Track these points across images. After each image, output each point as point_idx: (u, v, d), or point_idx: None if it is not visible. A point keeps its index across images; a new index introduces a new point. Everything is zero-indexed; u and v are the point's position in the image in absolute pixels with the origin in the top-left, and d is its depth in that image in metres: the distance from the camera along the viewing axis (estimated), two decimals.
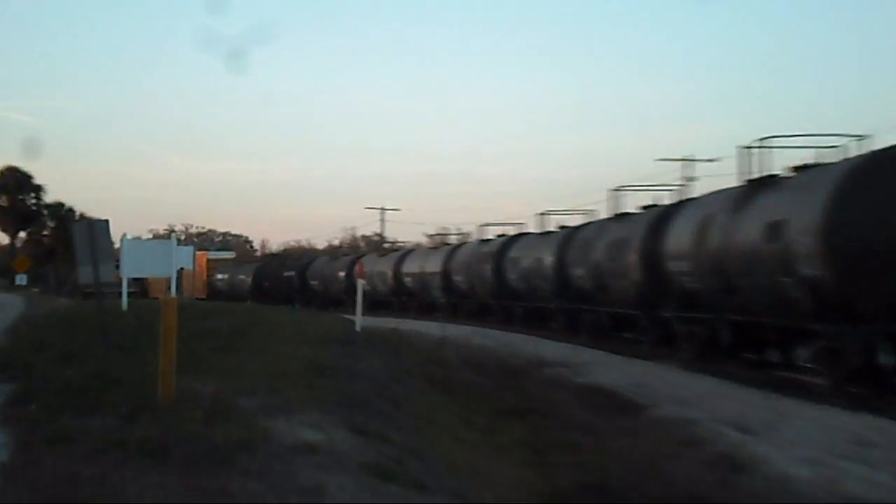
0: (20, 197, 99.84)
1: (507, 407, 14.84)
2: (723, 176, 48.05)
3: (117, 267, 22.50)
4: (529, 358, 23.40)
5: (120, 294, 26.83)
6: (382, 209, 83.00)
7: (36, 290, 79.37)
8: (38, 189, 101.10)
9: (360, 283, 25.70)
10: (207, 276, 75.99)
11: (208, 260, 77.49)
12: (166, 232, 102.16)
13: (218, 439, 7.68)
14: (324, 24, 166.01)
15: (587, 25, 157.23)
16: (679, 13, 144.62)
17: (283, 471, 7.09)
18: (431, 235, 62.99)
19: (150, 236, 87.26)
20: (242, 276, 74.13)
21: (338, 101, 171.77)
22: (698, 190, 28.45)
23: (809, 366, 18.81)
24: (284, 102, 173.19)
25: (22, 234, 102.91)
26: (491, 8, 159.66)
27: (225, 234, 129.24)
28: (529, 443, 11.94)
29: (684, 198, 26.32)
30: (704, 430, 13.15)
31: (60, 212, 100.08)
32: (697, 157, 46.24)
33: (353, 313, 26.44)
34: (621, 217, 28.26)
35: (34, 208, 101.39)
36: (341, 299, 54.01)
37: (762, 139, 20.48)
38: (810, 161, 18.98)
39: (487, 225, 45.42)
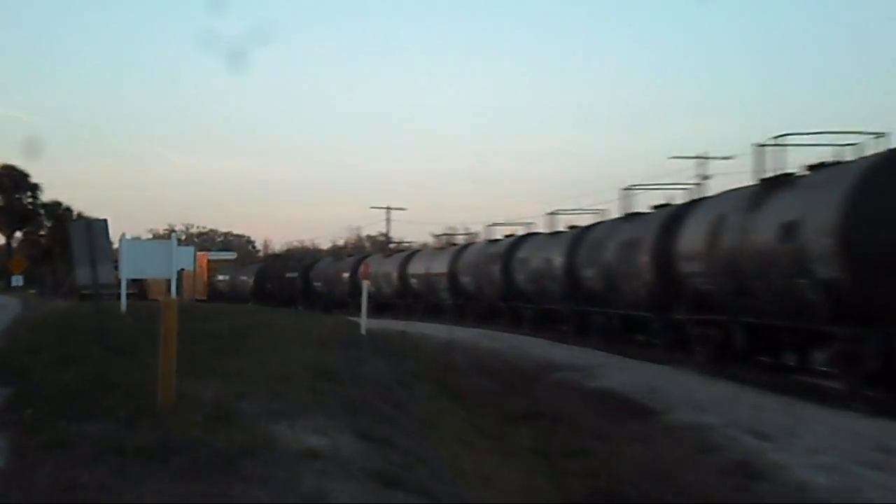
0: (16, 196, 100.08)
1: (516, 411, 14.82)
2: (738, 174, 48.10)
3: (116, 268, 22.52)
4: (539, 361, 23.37)
5: (118, 296, 26.86)
6: (388, 208, 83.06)
7: (32, 291, 79.51)
8: (34, 188, 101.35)
9: (365, 285, 25.70)
10: (208, 277, 76.12)
11: (209, 261, 77.57)
12: (166, 232, 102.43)
13: (219, 444, 7.67)
14: (328, 20, 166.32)
15: (597, 20, 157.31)
16: (693, 7, 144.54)
17: (286, 477, 7.07)
18: (438, 235, 62.97)
19: (150, 236, 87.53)
20: (244, 278, 74.21)
21: (343, 98, 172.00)
22: (713, 189, 28.47)
23: (826, 370, 18.73)
24: (288, 99, 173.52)
25: (18, 234, 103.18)
26: (499, 2, 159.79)
27: (226, 234, 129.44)
28: (539, 449, 11.91)
29: (697, 197, 26.27)
30: (720, 436, 13.11)
31: (58, 211, 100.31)
32: (712, 155, 46.22)
33: (358, 315, 26.43)
34: (633, 217, 28.21)
35: (31, 207, 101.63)
36: (345, 301, 54.05)
37: (777, 137, 20.44)
38: (826, 159, 18.92)
39: (495, 224, 45.48)
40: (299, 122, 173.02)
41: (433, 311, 45.30)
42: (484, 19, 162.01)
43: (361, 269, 28.58)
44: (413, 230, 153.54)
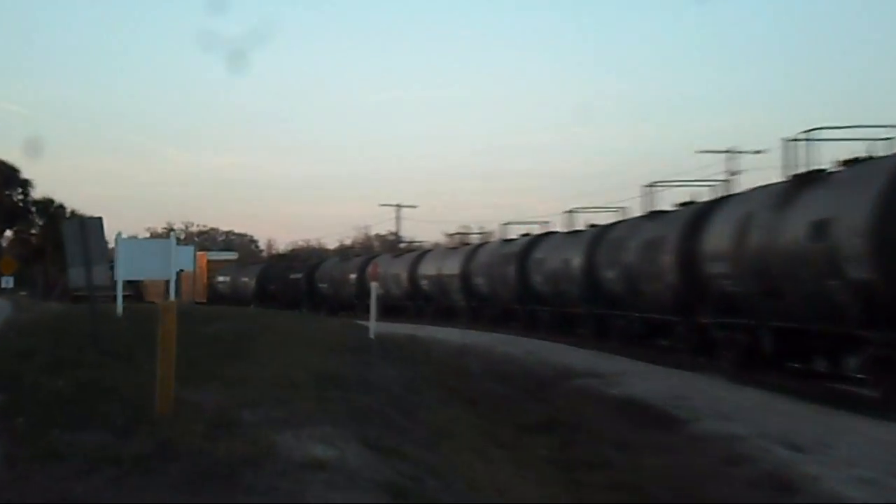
0: (6, 192, 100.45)
1: (533, 420, 14.79)
2: (770, 169, 47.96)
3: (111, 268, 22.56)
4: (556, 367, 23.34)
5: (113, 298, 26.91)
6: (398, 206, 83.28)
7: (23, 293, 79.85)
8: (25, 184, 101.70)
9: (374, 287, 25.69)
10: (208, 278, 76.29)
11: (209, 261, 77.76)
12: (165, 231, 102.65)
13: (220, 454, 7.67)
14: (335, 14, 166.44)
15: (617, 10, 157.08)
16: None
17: (291, 489, 7.06)
18: (451, 234, 62.96)
19: (148, 235, 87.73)
20: (245, 279, 74.34)
21: (350, 92, 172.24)
22: (743, 185, 28.35)
23: (860, 376, 18.66)
24: (293, 93, 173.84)
25: (8, 233, 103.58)
26: None
27: (228, 234, 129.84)
28: (558, 460, 11.88)
29: (724, 194, 26.19)
30: (749, 447, 13.07)
31: (50, 209, 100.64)
32: (742, 149, 46.05)
33: (365, 319, 26.45)
34: (656, 215, 28.16)
35: (21, 205, 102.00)
36: (352, 304, 54.15)
37: (808, 131, 20.36)
38: (860, 154, 18.85)
39: (511, 223, 45.45)
40: (305, 117, 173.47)
41: (445, 314, 45.33)
42: (497, 10, 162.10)
43: (371, 269, 28.60)
44: (424, 229, 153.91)
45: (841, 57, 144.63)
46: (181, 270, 30.51)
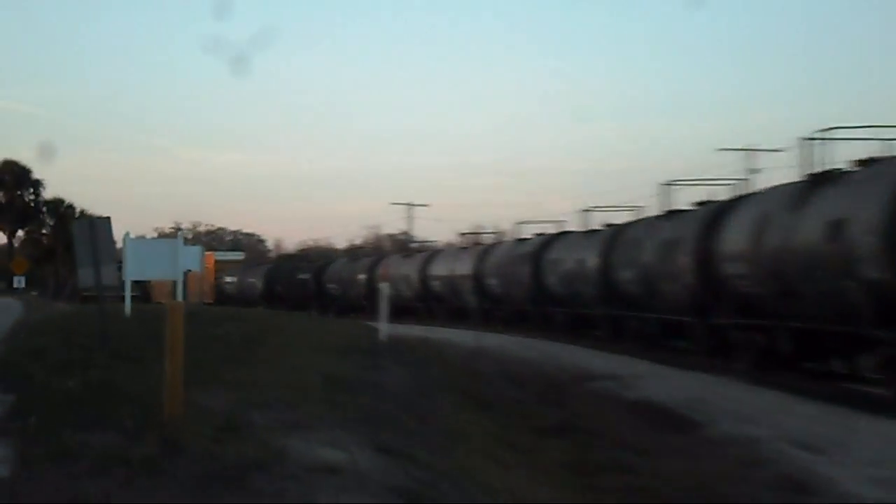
0: (18, 193, 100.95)
1: (548, 424, 14.77)
2: (789, 168, 47.83)
3: (120, 269, 22.62)
4: (572, 369, 23.32)
5: (122, 298, 26.98)
6: (409, 205, 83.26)
7: (34, 293, 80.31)
8: (36, 184, 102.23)
9: (385, 287, 25.69)
10: (215, 278, 76.40)
11: (216, 261, 77.88)
12: (172, 231, 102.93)
13: (229, 457, 7.69)
14: (348, 11, 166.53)
15: (635, 5, 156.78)
16: None
17: (300, 493, 7.07)
18: (463, 234, 62.94)
19: (155, 235, 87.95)
20: (252, 280, 74.42)
21: (360, 88, 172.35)
22: (763, 183, 28.26)
23: (876, 376, 18.67)
24: (302, 90, 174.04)
25: (20, 233, 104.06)
26: None
27: (236, 233, 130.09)
28: (574, 464, 11.86)
29: (741, 193, 26.14)
30: (767, 450, 13.09)
31: (60, 209, 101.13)
32: (762, 147, 45.89)
33: (375, 320, 26.44)
34: (673, 214, 28.12)
35: (33, 205, 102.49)
36: (361, 305, 54.12)
37: (825, 130, 20.40)
38: (876, 154, 18.84)
39: (525, 222, 45.43)
40: (314, 114, 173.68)
41: (456, 316, 45.26)
42: (514, 4, 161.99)
43: (381, 270, 28.61)
44: (436, 228, 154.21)
45: (862, 55, 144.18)
46: (188, 271, 30.58)
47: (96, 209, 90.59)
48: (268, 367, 14.25)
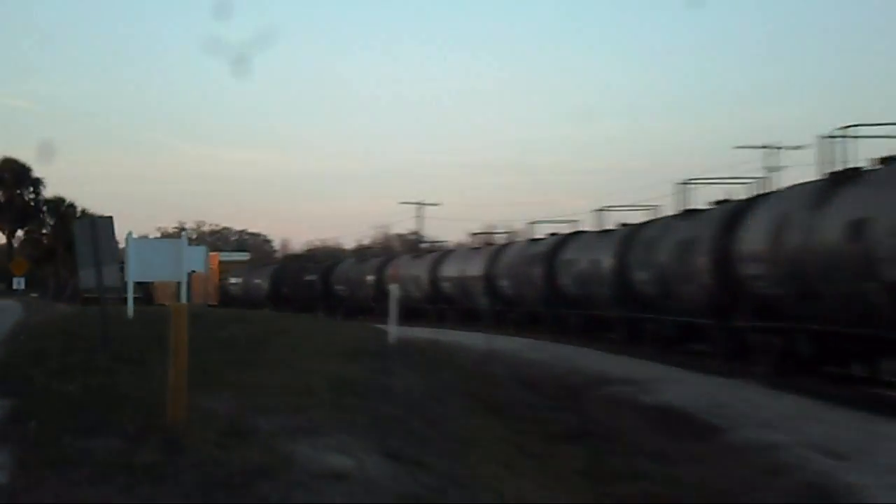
0: (17, 191, 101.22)
1: (563, 430, 14.74)
2: (810, 166, 47.74)
3: (122, 269, 22.62)
4: (587, 373, 23.27)
5: (122, 300, 26.99)
6: (420, 204, 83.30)
7: (35, 294, 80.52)
8: (36, 183, 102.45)
9: (394, 289, 25.65)
10: (220, 279, 76.49)
11: (220, 262, 77.95)
12: (176, 230, 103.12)
13: (234, 464, 7.67)
14: (355, 7, 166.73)
15: (651, 1, 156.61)
16: None
17: (307, 500, 7.03)
18: (475, 234, 62.90)
19: (159, 235, 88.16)
20: (258, 281, 74.45)
21: (370, 85, 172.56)
22: (783, 182, 28.19)
23: None
24: (309, 87, 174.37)
25: (20, 233, 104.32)
26: None
27: (241, 233, 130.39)
28: (589, 471, 11.82)
29: (761, 192, 26.03)
30: (789, 456, 13.04)
31: (61, 208, 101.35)
32: (782, 145, 45.71)
33: (384, 322, 26.41)
34: (690, 214, 28.05)
35: (33, 204, 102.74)
36: (369, 307, 54.10)
37: (845, 127, 20.32)
38: None
39: (538, 222, 45.37)
40: (322, 111, 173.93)
41: (467, 318, 45.21)
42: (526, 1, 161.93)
43: (391, 271, 28.58)
44: (447, 228, 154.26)
45: (884, 51, 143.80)
46: (192, 272, 30.58)
47: (98, 208, 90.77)
48: (273, 371, 14.22)
